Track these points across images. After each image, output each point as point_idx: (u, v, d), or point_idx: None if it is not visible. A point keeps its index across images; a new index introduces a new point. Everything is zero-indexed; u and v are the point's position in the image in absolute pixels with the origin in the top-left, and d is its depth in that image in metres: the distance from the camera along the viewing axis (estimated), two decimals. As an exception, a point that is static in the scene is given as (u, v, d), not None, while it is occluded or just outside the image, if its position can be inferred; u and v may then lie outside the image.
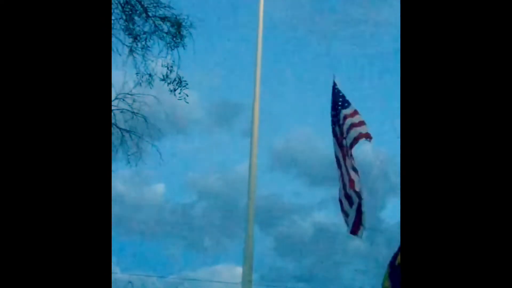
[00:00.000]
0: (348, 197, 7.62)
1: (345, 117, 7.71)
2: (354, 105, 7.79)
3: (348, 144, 7.54)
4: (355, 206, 7.59)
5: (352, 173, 7.57)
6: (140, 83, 10.66)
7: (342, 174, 7.68)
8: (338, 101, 7.90)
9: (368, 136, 7.62)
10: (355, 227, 7.57)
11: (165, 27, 10.33)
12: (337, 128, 7.80)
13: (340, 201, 7.75)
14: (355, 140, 7.62)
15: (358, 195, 7.59)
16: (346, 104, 7.85)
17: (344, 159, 7.64)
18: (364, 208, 7.52)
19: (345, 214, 7.71)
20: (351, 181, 7.55)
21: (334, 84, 8.12)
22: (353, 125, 7.65)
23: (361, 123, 7.67)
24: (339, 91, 7.99)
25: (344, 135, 7.61)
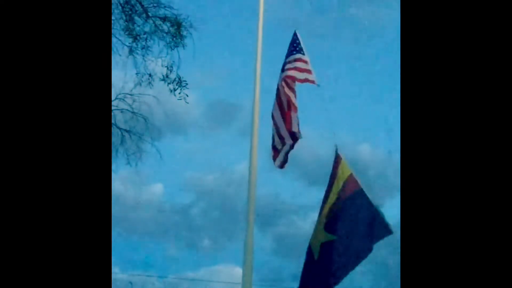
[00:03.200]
0: (281, 136, 7.95)
1: (296, 60, 8.02)
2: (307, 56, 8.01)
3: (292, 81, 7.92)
4: (286, 147, 7.96)
5: (292, 115, 7.89)
6: (140, 83, 10.65)
7: (281, 114, 7.98)
8: (296, 48, 8.18)
9: (313, 82, 7.93)
10: (282, 163, 8.02)
11: (165, 27, 10.32)
12: (285, 71, 8.08)
13: (273, 137, 8.06)
14: (300, 80, 7.93)
15: (293, 136, 7.90)
16: (302, 51, 8.16)
17: (289, 101, 7.95)
18: (291, 148, 7.96)
19: (274, 150, 8.03)
20: (288, 122, 7.86)
21: (295, 36, 8.33)
22: (304, 69, 7.96)
23: (310, 71, 7.99)
24: (299, 41, 8.26)
25: (292, 74, 7.93)
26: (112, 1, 9.52)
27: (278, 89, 8.09)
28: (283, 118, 7.92)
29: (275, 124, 8.04)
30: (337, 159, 7.44)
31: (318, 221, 7.20)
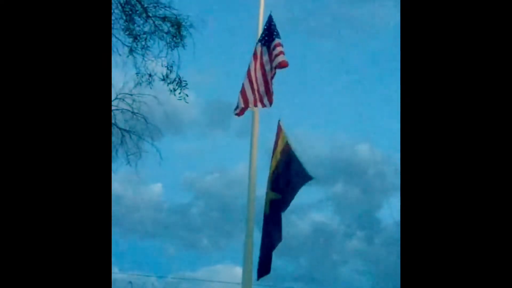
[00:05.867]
0: (253, 90, 8.32)
1: (276, 45, 8.53)
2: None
3: (273, 67, 8.45)
4: (251, 105, 8.33)
5: (270, 86, 8.41)
6: (140, 83, 10.65)
7: (255, 73, 8.45)
8: (274, 31, 8.68)
9: (284, 64, 8.39)
10: (240, 112, 8.37)
11: (165, 27, 10.32)
12: (264, 49, 8.62)
13: (243, 85, 8.36)
14: (278, 65, 8.44)
15: (262, 101, 8.35)
16: (276, 35, 8.66)
17: (264, 72, 8.50)
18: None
19: (243, 95, 8.33)
20: (267, 89, 8.35)
21: (271, 19, 8.80)
22: (280, 53, 8.46)
23: (282, 52, 8.51)
24: (274, 25, 8.78)
25: (273, 58, 8.51)
26: (112, 1, 9.52)
27: (259, 56, 8.52)
28: (263, 80, 8.38)
29: (249, 77, 8.37)
30: (278, 132, 8.13)
31: (267, 185, 8.13)
